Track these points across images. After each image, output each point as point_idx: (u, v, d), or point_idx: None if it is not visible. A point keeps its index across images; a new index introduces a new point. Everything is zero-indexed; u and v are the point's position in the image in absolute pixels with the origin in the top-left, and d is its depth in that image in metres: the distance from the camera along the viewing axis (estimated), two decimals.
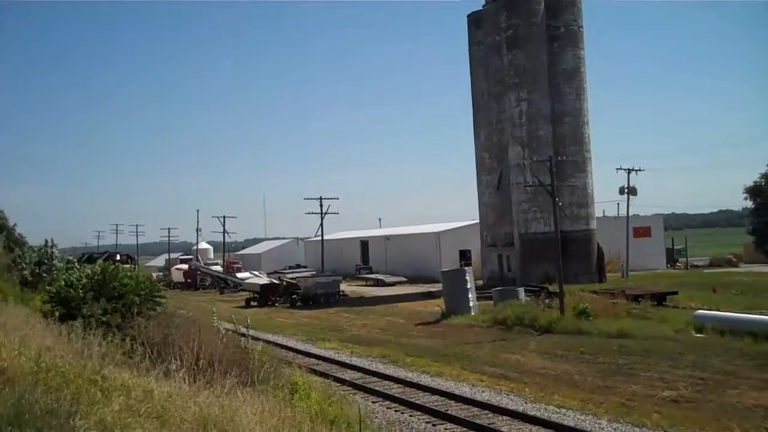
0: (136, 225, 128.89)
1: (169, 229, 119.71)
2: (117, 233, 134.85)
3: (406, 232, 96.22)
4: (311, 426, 12.55)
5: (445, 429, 19.98)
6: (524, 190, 63.23)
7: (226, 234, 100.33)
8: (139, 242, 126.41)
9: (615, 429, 19.16)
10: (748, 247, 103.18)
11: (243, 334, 23.30)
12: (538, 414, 20.84)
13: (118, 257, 79.24)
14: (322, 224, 79.73)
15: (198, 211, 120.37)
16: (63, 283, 29.24)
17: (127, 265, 56.47)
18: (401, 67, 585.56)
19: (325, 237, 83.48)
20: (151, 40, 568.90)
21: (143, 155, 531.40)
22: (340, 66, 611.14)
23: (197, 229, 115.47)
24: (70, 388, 11.02)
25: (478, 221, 74.68)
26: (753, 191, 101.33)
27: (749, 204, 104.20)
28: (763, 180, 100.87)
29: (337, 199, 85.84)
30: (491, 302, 47.60)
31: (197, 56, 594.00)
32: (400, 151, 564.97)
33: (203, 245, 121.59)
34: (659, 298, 46.20)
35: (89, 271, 30.05)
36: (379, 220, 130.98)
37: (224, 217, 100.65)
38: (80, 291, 27.35)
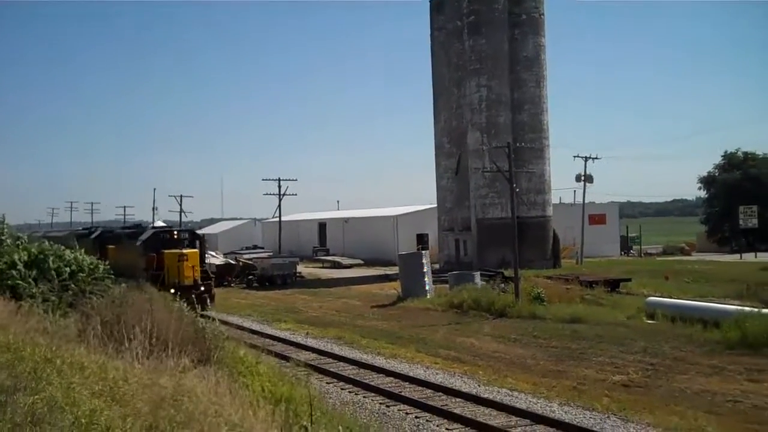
0: (92, 203, 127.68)
1: (124, 207, 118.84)
2: (72, 210, 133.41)
3: (364, 215, 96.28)
4: (261, 404, 12.54)
5: (399, 410, 20.07)
6: (482, 176, 63.55)
7: (182, 213, 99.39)
8: (94, 220, 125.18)
9: (566, 412, 19.38)
10: (700, 236, 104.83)
11: (202, 315, 23.25)
12: (491, 396, 21.02)
13: (170, 236, 45.47)
14: (279, 205, 79.53)
15: (155, 189, 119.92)
16: (4, 264, 28.28)
17: (191, 250, 41.93)
18: (362, 49, 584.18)
19: (283, 218, 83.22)
20: (108, 18, 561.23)
21: (99, 132, 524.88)
22: (300, 49, 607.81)
23: (153, 208, 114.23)
24: (25, 365, 10.92)
25: (436, 206, 74.93)
26: (707, 181, 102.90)
27: (703, 194, 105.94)
28: (716, 170, 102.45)
29: (296, 180, 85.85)
30: (447, 286, 47.84)
31: (158, 34, 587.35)
32: (360, 134, 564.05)
33: (159, 224, 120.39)
34: (612, 285, 46.75)
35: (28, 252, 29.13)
36: (338, 202, 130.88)
37: (181, 196, 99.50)
38: (21, 272, 26.65)
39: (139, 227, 60.44)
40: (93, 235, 54.74)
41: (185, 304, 23.12)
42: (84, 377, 10.45)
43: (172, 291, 33.88)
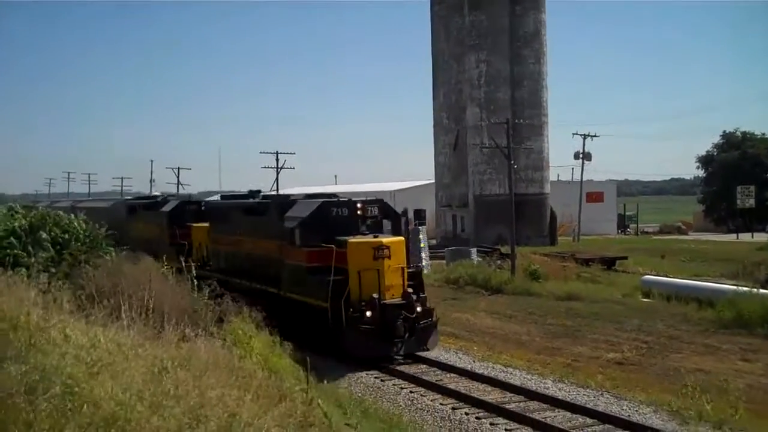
0: (89, 174, 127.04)
1: (122, 178, 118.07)
2: (69, 181, 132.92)
3: (362, 189, 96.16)
4: (260, 374, 12.57)
5: (393, 384, 20.16)
6: (481, 152, 63.45)
7: (180, 186, 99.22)
8: (91, 191, 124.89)
9: (559, 389, 19.43)
10: (697, 215, 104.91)
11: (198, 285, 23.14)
12: (485, 372, 21.08)
13: (348, 211, 25.54)
14: (277, 179, 79.15)
15: (152, 161, 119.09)
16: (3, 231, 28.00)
17: (393, 238, 23.83)
18: (362, 24, 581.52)
19: (281, 192, 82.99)
20: None
21: (98, 103, 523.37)
22: (300, 24, 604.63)
23: (151, 180, 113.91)
24: (20, 335, 10.89)
25: (433, 181, 74.84)
26: (705, 161, 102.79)
27: (701, 173, 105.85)
28: (715, 150, 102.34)
29: (294, 154, 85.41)
30: (444, 262, 47.82)
31: (158, 7, 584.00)
32: (358, 109, 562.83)
33: (154, 193, 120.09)
34: (609, 263, 46.83)
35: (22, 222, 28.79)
36: (335, 177, 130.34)
37: (178, 168, 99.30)
38: (22, 241, 26.40)
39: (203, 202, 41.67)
40: (166, 208, 40.60)
41: (390, 346, 22.37)
42: (78, 347, 10.42)
43: (367, 314, 21.88)
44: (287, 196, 37.94)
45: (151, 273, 20.23)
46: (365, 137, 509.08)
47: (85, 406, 8.01)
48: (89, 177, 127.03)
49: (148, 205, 45.52)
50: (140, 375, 9.77)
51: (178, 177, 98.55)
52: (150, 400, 8.48)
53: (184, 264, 30.55)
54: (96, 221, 47.31)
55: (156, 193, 70.06)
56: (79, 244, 26.25)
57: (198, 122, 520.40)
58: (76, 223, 27.69)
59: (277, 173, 78.60)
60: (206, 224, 34.58)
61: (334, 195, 29.86)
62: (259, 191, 34.72)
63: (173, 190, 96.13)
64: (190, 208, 38.76)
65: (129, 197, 72.08)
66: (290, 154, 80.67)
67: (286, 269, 25.53)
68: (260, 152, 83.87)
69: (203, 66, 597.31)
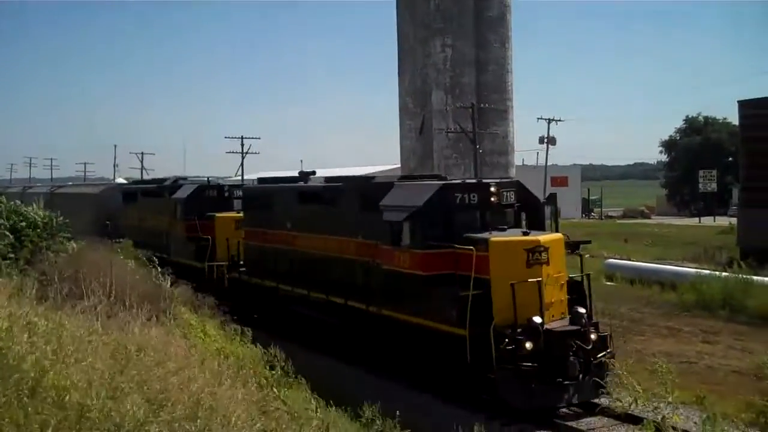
0: (51, 158, 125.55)
1: (85, 163, 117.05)
2: (30, 166, 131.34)
3: (327, 174, 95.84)
4: (217, 359, 12.54)
5: None
6: (446, 137, 63.35)
7: (144, 171, 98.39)
8: (53, 176, 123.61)
9: None
10: (660, 200, 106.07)
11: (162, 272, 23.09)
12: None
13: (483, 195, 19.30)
14: (242, 164, 78.83)
15: (115, 146, 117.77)
16: None
17: (548, 236, 17.88)
18: (327, 6, 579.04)
19: (246, 177, 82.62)
20: None
21: (58, 87, 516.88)
22: (264, 7, 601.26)
23: (114, 165, 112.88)
24: None
25: (399, 165, 74.81)
26: (668, 145, 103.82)
27: (664, 158, 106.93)
28: (678, 134, 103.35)
29: (259, 138, 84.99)
30: None
31: None
32: (323, 92, 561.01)
33: (120, 181, 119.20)
34: (573, 247, 47.06)
35: None
36: (301, 161, 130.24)
37: (142, 153, 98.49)
38: None
39: (220, 186, 35.17)
40: (180, 194, 33.75)
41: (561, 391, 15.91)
42: (40, 335, 10.32)
43: (526, 345, 15.73)
44: (361, 177, 30.18)
45: (111, 260, 20.10)
46: (330, 121, 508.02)
47: (46, 394, 7.94)
48: (51, 162, 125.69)
49: (153, 190, 39.06)
50: (102, 362, 9.69)
51: (141, 162, 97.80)
52: (112, 386, 8.42)
53: (206, 265, 28.85)
54: (79, 210, 44.30)
55: (166, 177, 53.52)
56: (38, 231, 25.94)
57: (162, 105, 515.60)
58: (32, 212, 27.35)
59: (242, 158, 78.30)
60: (235, 214, 29.77)
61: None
62: (312, 172, 28.10)
63: (137, 175, 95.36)
64: (210, 195, 32.58)
65: (125, 181, 65.39)
66: (255, 138, 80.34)
67: (383, 277, 19.11)
68: (225, 137, 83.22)
69: (168, 49, 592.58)
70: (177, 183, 38.13)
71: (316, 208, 23.19)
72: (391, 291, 18.78)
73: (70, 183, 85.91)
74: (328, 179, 25.55)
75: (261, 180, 32.88)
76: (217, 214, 30.37)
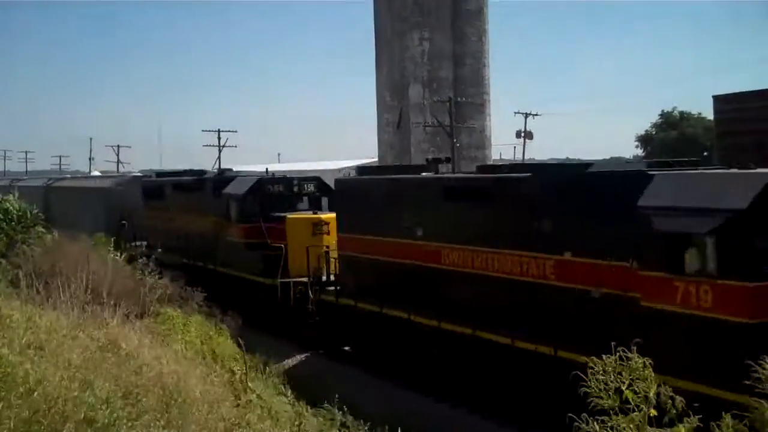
0: (26, 151, 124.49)
1: (60, 156, 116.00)
2: (5, 159, 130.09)
3: (305, 167, 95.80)
4: (196, 359, 12.56)
5: None
6: (423, 131, 63.56)
7: (120, 164, 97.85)
8: (28, 169, 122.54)
9: None
10: None
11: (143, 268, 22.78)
12: None
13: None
14: (219, 157, 78.54)
15: (91, 139, 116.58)
16: None
17: None
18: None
19: (97, 174, 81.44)
20: None
21: (31, 78, 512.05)
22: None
23: (90, 158, 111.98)
24: None
25: (377, 159, 74.84)
26: (644, 140, 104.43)
27: (640, 152, 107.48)
28: (653, 129, 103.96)
29: (236, 132, 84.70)
30: None
31: None
32: (301, 85, 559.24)
33: (96, 174, 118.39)
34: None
35: None
36: (278, 155, 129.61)
37: (118, 146, 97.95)
38: None
39: (283, 177, 28.63)
40: (236, 189, 27.26)
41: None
42: (13, 330, 10.30)
43: None
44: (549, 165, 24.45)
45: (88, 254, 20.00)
46: (308, 114, 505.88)
47: (21, 389, 7.94)
48: (26, 155, 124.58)
49: (190, 184, 31.53)
50: (78, 357, 9.70)
51: (117, 155, 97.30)
52: (84, 380, 8.43)
53: (279, 281, 23.18)
54: (85, 208, 41.24)
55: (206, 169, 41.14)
56: (12, 224, 25.77)
57: (137, 96, 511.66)
58: (8, 204, 27.17)
59: (219, 152, 78.09)
60: (311, 215, 24.57)
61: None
62: (446, 159, 24.69)
63: (113, 168, 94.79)
64: (274, 190, 26.29)
65: (142, 173, 54.14)
66: (232, 132, 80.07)
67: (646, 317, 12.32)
68: (202, 130, 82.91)
69: (142, 40, 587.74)
70: (224, 175, 31.10)
71: (475, 210, 16.89)
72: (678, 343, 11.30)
73: (68, 176, 78.34)
74: (480, 167, 21.54)
75: (361, 169, 26.65)
76: (289, 215, 24.47)
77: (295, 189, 26.42)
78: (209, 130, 78.08)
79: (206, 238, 28.33)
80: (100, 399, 7.81)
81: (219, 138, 77.91)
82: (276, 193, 26.05)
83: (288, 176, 28.42)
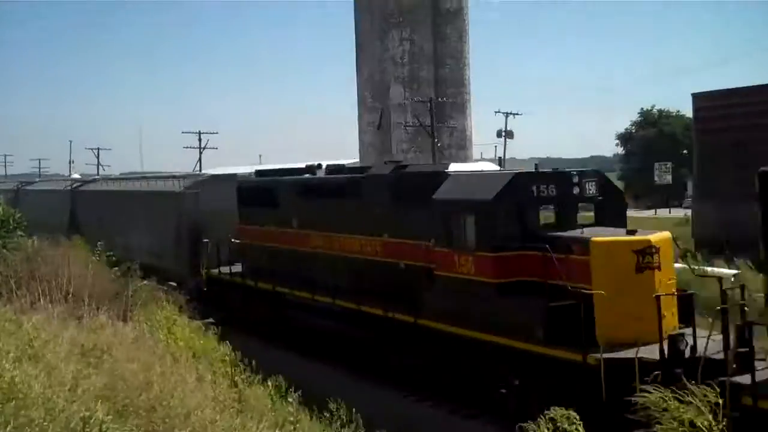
0: (5, 155, 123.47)
1: (39, 160, 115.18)
2: None
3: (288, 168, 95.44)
4: (178, 358, 12.50)
5: None
6: (405, 131, 63.58)
7: (100, 167, 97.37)
8: (7, 173, 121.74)
9: None
10: None
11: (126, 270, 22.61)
12: None
13: None
14: (200, 159, 78.42)
15: (71, 142, 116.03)
16: None
17: None
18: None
19: (204, 172, 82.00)
20: None
21: (10, 80, 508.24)
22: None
23: (70, 161, 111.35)
24: None
25: (358, 160, 74.80)
26: (624, 138, 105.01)
27: (621, 150, 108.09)
28: (633, 127, 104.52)
29: (216, 133, 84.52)
30: None
31: None
32: (282, 85, 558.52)
33: (76, 177, 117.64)
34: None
35: None
36: (260, 156, 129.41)
37: (98, 149, 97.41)
38: None
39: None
40: (480, 193, 16.45)
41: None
42: None
43: None
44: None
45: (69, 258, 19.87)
46: (289, 115, 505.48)
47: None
48: (5, 158, 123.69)
49: (345, 183, 21.50)
50: (62, 360, 9.63)
51: (98, 158, 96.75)
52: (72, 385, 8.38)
53: (602, 356, 12.65)
54: (136, 218, 33.69)
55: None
56: None
57: (119, 98, 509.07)
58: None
59: (200, 154, 77.85)
60: (645, 237, 14.73)
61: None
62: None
63: (93, 171, 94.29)
64: (544, 193, 16.27)
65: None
66: (213, 133, 79.73)
67: None
68: (182, 132, 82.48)
69: (123, 39, 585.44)
70: (409, 170, 20.21)
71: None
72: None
73: (97, 177, 64.42)
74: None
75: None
76: (596, 238, 14.57)
77: (575, 190, 16.51)
78: (189, 132, 77.69)
79: (387, 270, 18.94)
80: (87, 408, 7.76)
81: (199, 140, 77.71)
82: (546, 198, 16.19)
83: (562, 170, 18.06)
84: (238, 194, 26.98)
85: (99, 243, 24.45)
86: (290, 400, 12.41)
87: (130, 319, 16.53)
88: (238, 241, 26.17)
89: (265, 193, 25.47)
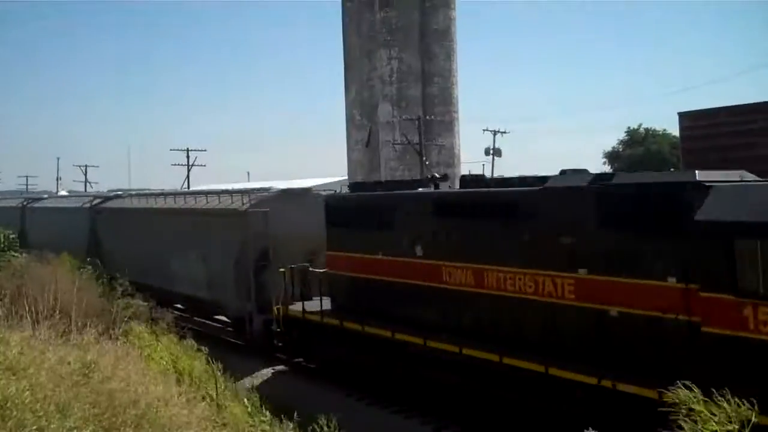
0: None
1: (27, 176, 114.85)
2: None
3: (274, 186, 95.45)
4: (162, 378, 12.49)
5: None
6: (393, 149, 63.72)
7: (88, 184, 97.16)
8: None
9: None
10: None
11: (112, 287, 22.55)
12: None
13: None
14: (188, 176, 78.33)
15: (59, 158, 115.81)
16: None
17: None
18: (272, 16, 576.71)
19: (193, 189, 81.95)
20: None
21: None
22: (207, 16, 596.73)
23: (57, 178, 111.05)
24: None
25: (347, 178, 74.91)
26: (611, 156, 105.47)
27: (608, 169, 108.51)
28: (621, 146, 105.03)
29: (205, 151, 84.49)
30: None
31: None
32: (270, 103, 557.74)
33: (98, 192, 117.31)
34: None
35: None
36: (248, 173, 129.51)
37: (86, 166, 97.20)
38: None
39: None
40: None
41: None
42: None
43: None
44: None
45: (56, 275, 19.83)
46: (277, 132, 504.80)
47: None
48: None
49: (497, 200, 16.89)
50: (49, 378, 9.61)
51: (86, 175, 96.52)
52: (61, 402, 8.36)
53: None
54: (176, 239, 28.50)
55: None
56: None
57: (106, 116, 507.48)
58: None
59: (188, 171, 77.79)
60: None
61: None
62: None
63: (81, 188, 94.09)
64: None
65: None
66: (201, 151, 79.72)
67: None
68: (170, 149, 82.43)
69: (108, 56, 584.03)
70: (643, 182, 14.24)
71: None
72: None
73: (120, 192, 52.57)
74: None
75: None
76: None
77: None
78: (178, 149, 77.61)
79: (584, 319, 14.18)
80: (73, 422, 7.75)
81: (188, 157, 77.65)
82: None
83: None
84: (326, 213, 22.19)
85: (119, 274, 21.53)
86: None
87: (118, 336, 16.49)
88: (325, 271, 21.91)
89: (369, 212, 20.66)
